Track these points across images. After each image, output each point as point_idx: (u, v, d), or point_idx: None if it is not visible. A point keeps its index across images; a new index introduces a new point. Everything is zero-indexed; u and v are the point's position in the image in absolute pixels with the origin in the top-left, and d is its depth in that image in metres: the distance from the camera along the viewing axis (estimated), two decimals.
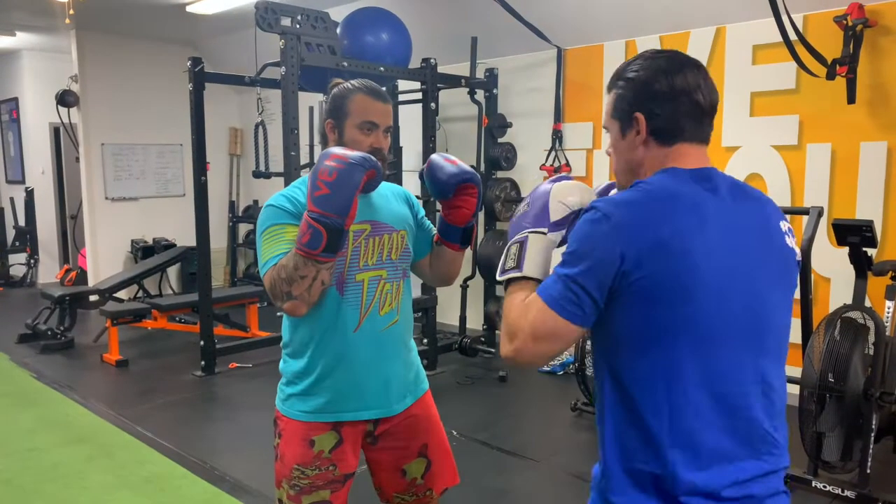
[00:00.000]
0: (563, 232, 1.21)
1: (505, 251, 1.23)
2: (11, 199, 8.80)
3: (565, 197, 1.23)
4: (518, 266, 1.19)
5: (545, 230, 1.21)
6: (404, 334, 1.83)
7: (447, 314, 5.58)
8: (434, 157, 1.79)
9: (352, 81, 1.78)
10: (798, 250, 1.22)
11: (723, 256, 1.09)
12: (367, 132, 1.74)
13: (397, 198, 1.88)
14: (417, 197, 1.77)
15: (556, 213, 1.22)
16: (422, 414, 1.86)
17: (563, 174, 1.35)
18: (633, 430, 1.11)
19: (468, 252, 5.35)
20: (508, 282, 1.20)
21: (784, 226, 1.21)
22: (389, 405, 1.79)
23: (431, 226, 1.94)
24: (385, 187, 1.86)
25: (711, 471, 1.08)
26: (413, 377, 1.87)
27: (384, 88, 1.79)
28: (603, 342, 1.15)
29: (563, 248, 1.14)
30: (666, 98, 1.16)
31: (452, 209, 1.80)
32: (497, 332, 5.46)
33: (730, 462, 1.09)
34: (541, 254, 1.19)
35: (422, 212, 1.95)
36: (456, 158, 1.80)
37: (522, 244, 1.20)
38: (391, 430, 1.81)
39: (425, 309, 4.87)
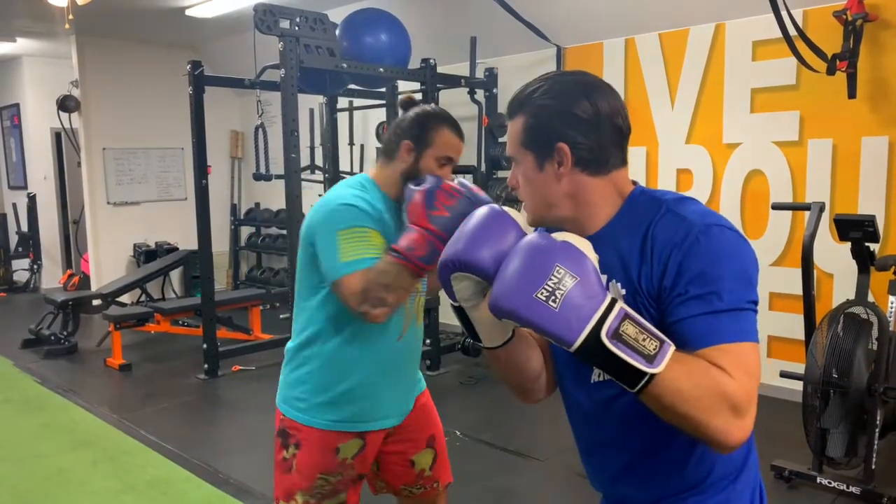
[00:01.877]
0: None
1: (615, 340, 0.87)
2: (14, 205, 8.82)
3: (588, 249, 0.94)
4: (663, 340, 0.89)
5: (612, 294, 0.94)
6: (419, 339, 1.93)
7: (450, 315, 5.56)
8: (465, 188, 1.68)
9: (435, 109, 1.79)
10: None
11: None
12: (442, 166, 1.73)
13: None
14: None
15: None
16: (427, 406, 1.93)
17: (497, 208, 1.06)
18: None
19: None
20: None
21: None
22: (409, 406, 1.87)
23: None
24: None
25: None
26: (419, 372, 1.96)
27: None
28: None
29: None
30: (591, 125, 1.05)
31: None
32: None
33: None
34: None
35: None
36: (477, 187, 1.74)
37: (631, 317, 0.89)
38: (404, 424, 1.86)
39: (428, 310, 4.85)
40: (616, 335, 0.86)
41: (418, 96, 1.77)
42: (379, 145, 5.95)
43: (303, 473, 1.73)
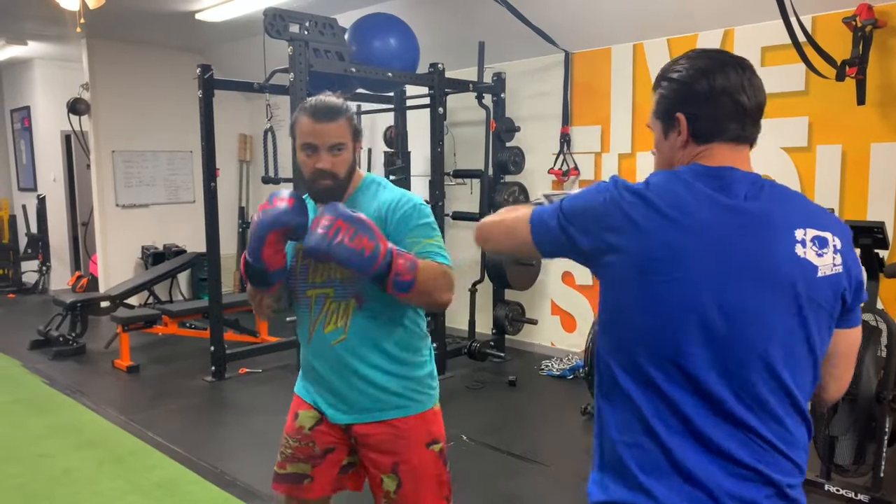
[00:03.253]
0: None
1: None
2: (24, 207, 8.87)
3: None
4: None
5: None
6: (358, 352, 1.77)
7: (456, 318, 5.57)
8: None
9: (308, 100, 1.78)
10: (817, 263, 1.10)
11: (693, 261, 1.08)
12: (311, 153, 1.73)
13: (373, 214, 1.75)
14: (426, 201, 1.77)
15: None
16: (398, 433, 1.80)
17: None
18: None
19: (477, 256, 5.37)
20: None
21: (803, 234, 1.11)
22: (346, 414, 1.82)
23: (420, 242, 1.75)
24: (369, 201, 1.79)
25: None
26: (384, 395, 1.80)
27: (339, 103, 1.75)
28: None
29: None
30: (706, 99, 1.15)
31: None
32: (506, 335, 5.46)
33: None
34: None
35: (406, 227, 1.76)
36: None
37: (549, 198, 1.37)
38: (367, 440, 1.82)
39: (434, 314, 4.87)
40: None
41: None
42: (387, 149, 5.97)
43: (284, 430, 1.94)
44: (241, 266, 1.79)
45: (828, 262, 1.11)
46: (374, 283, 1.67)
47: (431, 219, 1.79)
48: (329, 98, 1.76)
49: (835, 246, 1.12)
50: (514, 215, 1.33)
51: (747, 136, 1.17)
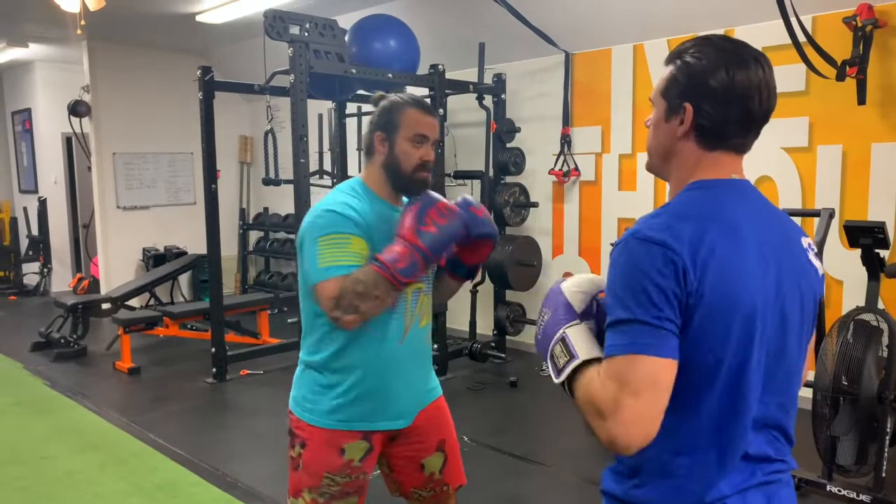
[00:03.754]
0: (593, 321, 1.15)
1: (549, 358, 1.13)
2: (25, 209, 8.88)
3: (576, 285, 1.18)
4: (572, 356, 1.08)
5: (577, 321, 1.13)
6: (427, 341, 1.91)
7: (457, 319, 5.57)
8: (462, 207, 1.73)
9: (399, 95, 1.81)
10: (818, 267, 1.18)
11: (755, 271, 1.07)
12: (418, 145, 1.75)
13: None
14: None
15: (578, 304, 1.15)
16: (439, 411, 1.92)
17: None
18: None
19: None
20: (570, 380, 1.08)
21: (805, 242, 1.17)
22: (417, 410, 1.86)
23: None
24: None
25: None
26: (432, 379, 1.94)
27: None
28: None
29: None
30: (720, 98, 1.08)
31: (468, 251, 1.84)
32: (507, 336, 5.44)
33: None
34: (588, 338, 1.10)
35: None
36: (482, 207, 1.80)
37: (564, 340, 1.11)
38: (411, 428, 1.85)
39: (435, 314, 4.86)
40: (551, 356, 1.13)
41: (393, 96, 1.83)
42: None
43: (308, 471, 1.76)
44: (399, 262, 1.60)
45: (819, 266, 1.19)
46: (463, 269, 1.89)
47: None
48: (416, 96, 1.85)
49: (814, 250, 1.20)
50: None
51: (748, 145, 1.15)
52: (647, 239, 1.03)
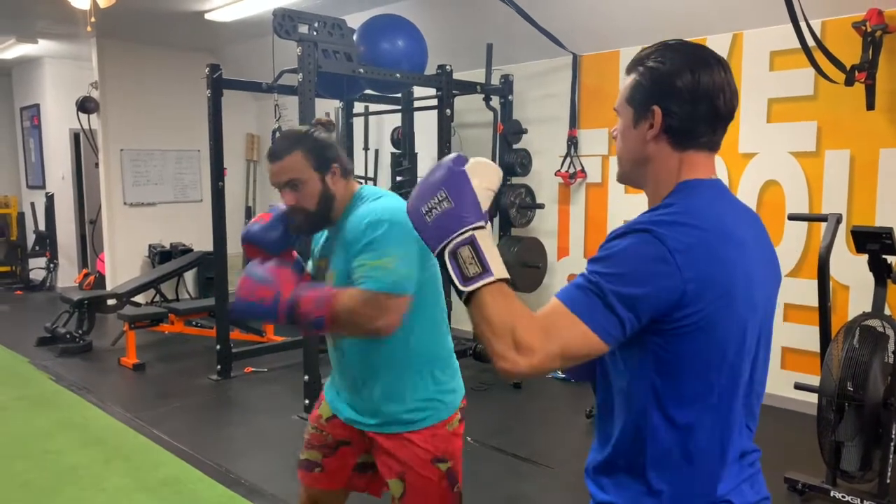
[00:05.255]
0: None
1: (451, 257, 1.06)
2: (32, 204, 8.92)
3: (487, 182, 1.12)
4: (486, 270, 1.04)
5: (483, 224, 1.08)
6: (371, 366, 1.79)
7: (461, 320, 5.57)
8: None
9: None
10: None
11: (754, 275, 1.11)
12: (281, 193, 1.79)
13: (348, 235, 1.74)
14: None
15: (486, 202, 1.11)
16: (407, 446, 1.78)
17: (459, 154, 1.16)
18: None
19: None
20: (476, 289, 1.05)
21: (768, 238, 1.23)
22: (356, 419, 1.85)
23: (364, 265, 1.68)
24: (352, 220, 1.75)
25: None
26: (396, 411, 1.79)
27: (293, 137, 1.79)
28: (634, 370, 1.12)
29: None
30: (687, 98, 1.10)
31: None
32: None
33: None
34: (494, 249, 1.07)
35: (356, 247, 1.71)
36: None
37: (474, 245, 1.05)
38: (379, 445, 1.82)
39: None
40: (453, 254, 1.06)
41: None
42: (394, 150, 5.98)
43: None
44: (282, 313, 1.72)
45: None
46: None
47: (383, 232, 1.66)
48: (288, 131, 1.83)
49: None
50: None
51: (717, 142, 1.16)
52: (661, 241, 1.03)
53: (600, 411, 1.22)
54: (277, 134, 5.00)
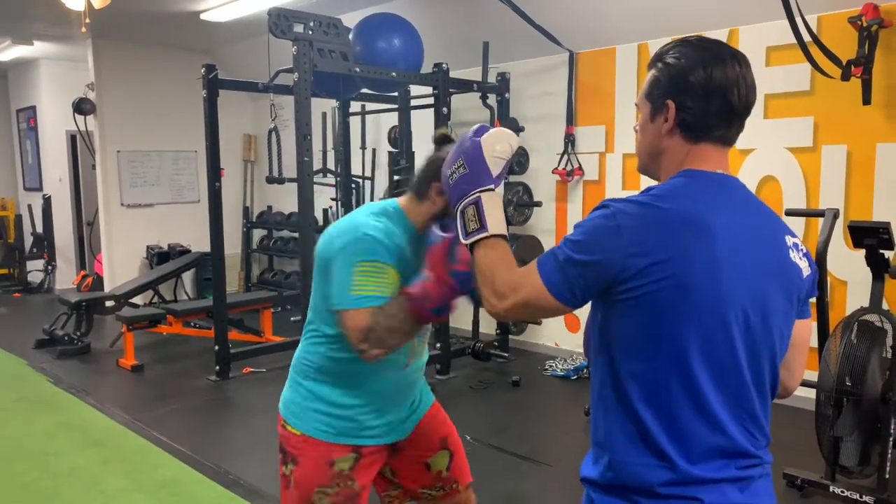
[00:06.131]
0: (502, 182, 1.34)
1: (459, 214, 1.28)
2: (29, 207, 8.90)
3: (497, 150, 1.31)
4: (482, 226, 1.24)
5: (492, 186, 1.29)
6: (421, 367, 1.91)
7: (460, 319, 5.57)
8: None
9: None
10: (802, 266, 1.20)
11: (728, 269, 1.09)
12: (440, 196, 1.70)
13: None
14: None
15: (495, 168, 1.31)
16: (435, 414, 1.93)
17: (482, 125, 1.38)
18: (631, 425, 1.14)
19: None
20: (475, 242, 1.25)
21: (790, 240, 1.20)
22: (410, 427, 1.86)
23: None
24: None
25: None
26: (425, 393, 1.95)
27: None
28: (603, 342, 1.17)
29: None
30: (700, 93, 1.14)
31: None
32: (510, 335, 5.44)
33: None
34: (497, 209, 1.26)
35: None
36: None
37: (478, 205, 1.26)
38: (414, 435, 1.87)
39: None
40: (462, 212, 1.28)
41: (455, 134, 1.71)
42: (392, 149, 5.97)
43: (301, 489, 1.73)
44: (433, 302, 1.54)
45: (805, 265, 1.22)
46: None
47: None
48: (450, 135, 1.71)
49: (803, 250, 1.23)
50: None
51: (731, 137, 1.19)
52: (616, 218, 1.09)
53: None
54: (274, 134, 5.00)
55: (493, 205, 1.26)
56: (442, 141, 1.69)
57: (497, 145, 1.31)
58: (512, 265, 1.20)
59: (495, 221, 1.24)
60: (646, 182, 1.24)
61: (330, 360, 1.71)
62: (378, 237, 1.59)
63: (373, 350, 1.55)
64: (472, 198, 1.26)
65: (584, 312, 1.18)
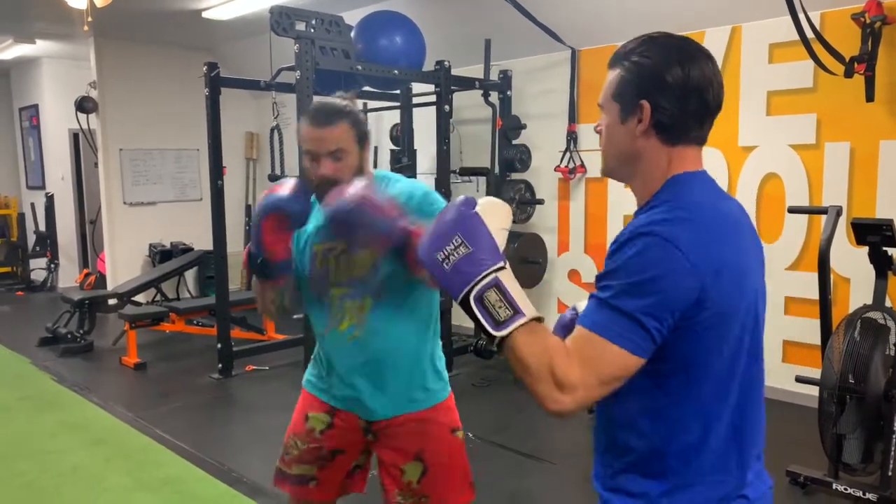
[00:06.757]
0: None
1: (477, 303, 1.05)
2: (32, 205, 8.92)
3: (501, 221, 1.12)
4: (517, 311, 1.04)
5: (504, 264, 1.07)
6: (384, 350, 1.79)
7: (462, 316, 5.56)
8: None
9: (314, 103, 1.76)
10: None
11: (749, 269, 1.11)
12: (312, 162, 1.68)
13: None
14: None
15: (502, 242, 1.11)
16: (424, 424, 1.83)
17: (467, 197, 1.14)
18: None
19: None
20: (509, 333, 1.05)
21: (754, 227, 1.22)
22: (369, 411, 1.82)
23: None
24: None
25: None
26: (408, 391, 1.83)
27: (341, 106, 1.70)
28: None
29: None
30: (677, 93, 1.08)
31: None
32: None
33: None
34: (518, 288, 1.06)
35: (423, 214, 1.70)
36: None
37: (500, 287, 1.05)
38: (389, 431, 1.84)
39: (441, 312, 4.86)
40: (479, 299, 1.04)
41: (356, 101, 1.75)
42: (393, 147, 5.97)
43: (288, 430, 1.95)
44: (244, 259, 1.73)
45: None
46: (396, 269, 1.68)
47: (442, 204, 1.72)
48: (331, 101, 1.71)
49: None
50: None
51: (705, 136, 1.15)
52: (670, 242, 1.02)
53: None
54: (276, 132, 5.00)
55: (514, 284, 1.05)
56: None
57: (499, 216, 1.12)
58: (565, 347, 1.04)
59: (525, 302, 1.05)
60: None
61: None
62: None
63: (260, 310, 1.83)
64: (489, 279, 1.04)
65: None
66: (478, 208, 1.11)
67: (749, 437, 1.13)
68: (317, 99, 1.78)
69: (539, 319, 1.05)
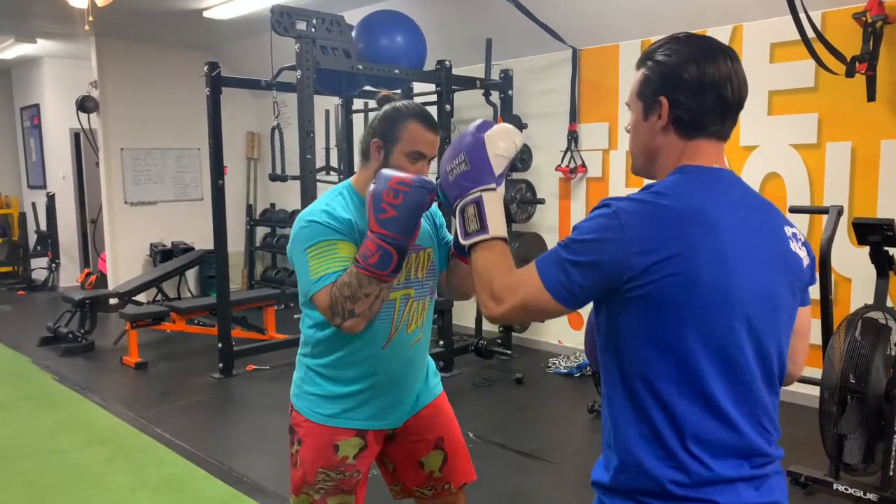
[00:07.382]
0: (503, 181, 1.30)
1: (459, 213, 1.25)
2: (33, 204, 8.92)
3: (501, 148, 1.28)
4: (483, 228, 1.21)
5: (494, 186, 1.25)
6: (427, 348, 1.89)
7: (463, 316, 5.57)
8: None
9: (405, 103, 1.73)
10: (802, 256, 1.21)
11: (736, 263, 1.09)
12: (414, 162, 1.69)
13: (437, 216, 1.89)
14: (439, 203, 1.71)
15: (498, 167, 1.28)
16: (437, 410, 1.91)
17: (485, 121, 1.33)
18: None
19: None
20: (474, 244, 1.22)
21: (789, 231, 1.20)
22: (412, 411, 1.86)
23: (449, 237, 1.88)
24: None
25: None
26: (429, 381, 1.93)
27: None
28: (610, 342, 1.15)
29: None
30: (693, 89, 1.13)
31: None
32: (513, 333, 5.44)
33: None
34: (498, 210, 1.23)
35: (442, 222, 1.90)
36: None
37: (479, 204, 1.23)
38: (407, 427, 1.86)
39: (441, 311, 4.87)
40: (462, 210, 1.25)
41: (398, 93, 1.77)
42: None
43: (306, 468, 1.77)
44: (371, 257, 1.56)
45: (804, 255, 1.22)
46: (442, 264, 1.82)
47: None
48: (423, 108, 1.74)
49: (801, 239, 1.24)
50: None
51: (726, 131, 1.19)
52: (619, 216, 1.08)
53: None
54: (277, 132, 5.00)
55: (494, 205, 1.22)
56: (384, 101, 1.77)
57: (501, 143, 1.28)
58: (510, 268, 1.17)
59: (496, 223, 1.21)
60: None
61: (321, 342, 1.77)
62: (319, 220, 1.67)
63: (346, 322, 1.61)
64: (472, 196, 1.23)
65: (587, 310, 1.18)
66: (486, 133, 1.28)
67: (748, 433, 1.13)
68: (410, 102, 1.75)
69: (505, 240, 1.21)
